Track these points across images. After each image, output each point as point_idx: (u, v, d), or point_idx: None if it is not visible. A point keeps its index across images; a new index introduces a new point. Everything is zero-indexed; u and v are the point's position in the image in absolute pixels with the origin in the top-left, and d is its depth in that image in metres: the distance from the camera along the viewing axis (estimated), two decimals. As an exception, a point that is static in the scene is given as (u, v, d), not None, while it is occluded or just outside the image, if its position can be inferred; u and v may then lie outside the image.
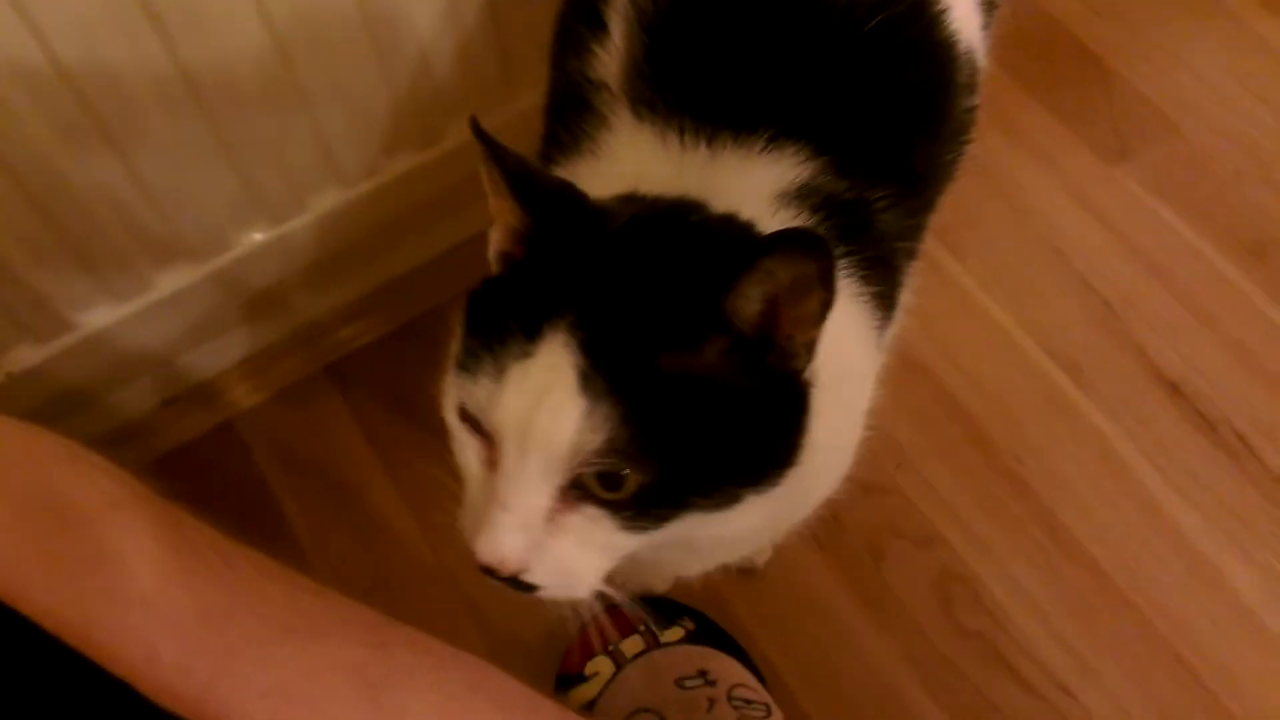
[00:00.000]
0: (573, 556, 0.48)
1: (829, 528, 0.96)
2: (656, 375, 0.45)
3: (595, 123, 0.60)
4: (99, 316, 0.86)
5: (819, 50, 0.58)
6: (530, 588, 0.48)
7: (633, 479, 0.46)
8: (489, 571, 0.48)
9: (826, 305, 0.45)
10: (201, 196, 0.83)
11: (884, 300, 0.60)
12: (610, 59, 0.60)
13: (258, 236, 0.89)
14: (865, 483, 0.98)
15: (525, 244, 0.50)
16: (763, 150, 0.56)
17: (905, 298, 0.68)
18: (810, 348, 0.48)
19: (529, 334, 0.45)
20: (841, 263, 0.55)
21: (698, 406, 0.46)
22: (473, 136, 0.48)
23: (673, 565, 0.71)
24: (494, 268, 0.52)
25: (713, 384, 0.46)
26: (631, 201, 0.52)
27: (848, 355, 0.56)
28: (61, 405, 0.91)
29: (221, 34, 0.73)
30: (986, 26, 0.72)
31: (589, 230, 0.48)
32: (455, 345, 0.51)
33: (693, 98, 0.57)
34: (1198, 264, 1.08)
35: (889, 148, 0.60)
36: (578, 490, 0.47)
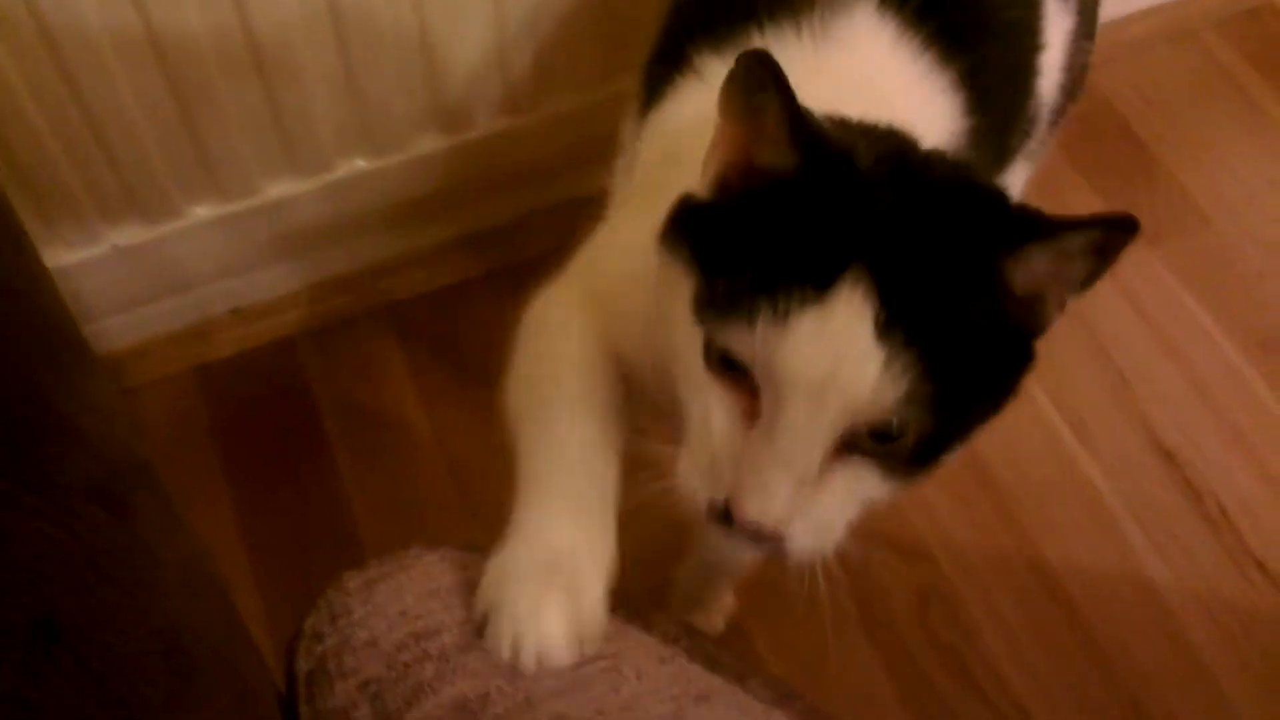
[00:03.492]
0: (834, 510, 0.47)
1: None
2: (948, 328, 0.44)
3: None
4: (204, 211, 0.99)
5: None
6: (775, 544, 0.47)
7: (914, 429, 0.45)
8: (730, 525, 0.46)
9: (1096, 276, 0.45)
10: (317, 118, 0.96)
11: None
12: None
13: (360, 164, 1.01)
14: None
15: (763, 180, 0.46)
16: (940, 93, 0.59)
17: None
18: (1063, 308, 0.47)
19: (820, 283, 0.43)
20: None
21: (971, 359, 0.45)
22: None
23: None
24: (706, 193, 0.48)
25: (984, 338, 0.46)
26: (849, 129, 0.49)
27: None
28: (157, 287, 1.04)
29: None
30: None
31: (848, 176, 0.46)
32: (689, 283, 0.47)
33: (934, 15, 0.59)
34: (1209, 348, 1.16)
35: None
36: (848, 443, 0.45)
